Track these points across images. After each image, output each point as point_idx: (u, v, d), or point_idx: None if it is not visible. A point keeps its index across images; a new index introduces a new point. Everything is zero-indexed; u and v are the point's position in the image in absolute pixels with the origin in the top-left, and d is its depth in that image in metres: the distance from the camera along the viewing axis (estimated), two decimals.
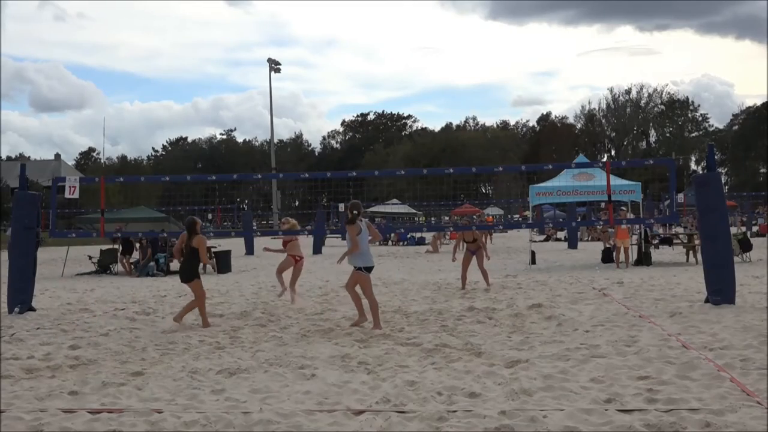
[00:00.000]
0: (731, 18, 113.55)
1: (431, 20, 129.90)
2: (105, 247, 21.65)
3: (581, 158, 24.33)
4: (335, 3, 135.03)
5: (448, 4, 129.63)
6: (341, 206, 34.87)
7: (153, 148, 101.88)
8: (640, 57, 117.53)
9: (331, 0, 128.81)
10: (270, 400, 5.36)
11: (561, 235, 34.60)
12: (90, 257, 20.61)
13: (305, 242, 33.06)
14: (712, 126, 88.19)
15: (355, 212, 8.78)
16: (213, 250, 20.22)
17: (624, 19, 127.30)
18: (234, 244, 27.45)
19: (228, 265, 19.50)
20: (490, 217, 48.61)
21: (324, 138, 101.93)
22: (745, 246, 18.01)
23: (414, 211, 48.51)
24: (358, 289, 9.02)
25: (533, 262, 19.19)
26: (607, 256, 18.72)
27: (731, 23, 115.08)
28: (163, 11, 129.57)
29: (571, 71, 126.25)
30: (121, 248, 19.93)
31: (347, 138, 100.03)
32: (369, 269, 8.83)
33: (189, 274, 9.23)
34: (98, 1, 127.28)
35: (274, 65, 61.94)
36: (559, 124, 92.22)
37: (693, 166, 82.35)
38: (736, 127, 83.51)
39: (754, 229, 33.47)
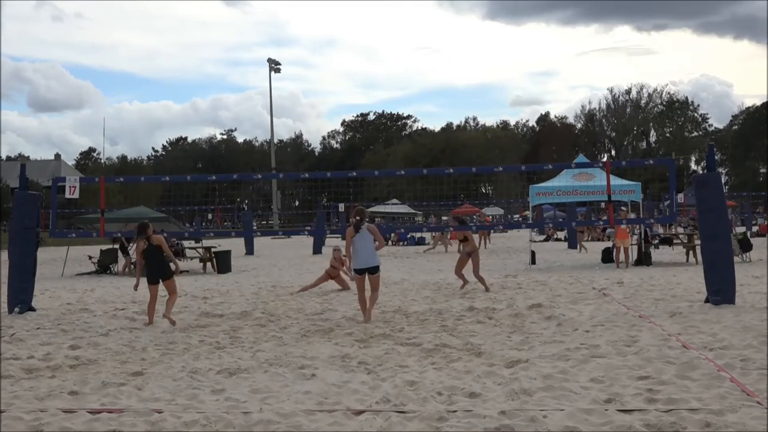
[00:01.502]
0: (729, 18, 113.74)
1: (429, 20, 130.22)
2: (105, 247, 21.65)
3: (581, 158, 24.32)
4: (333, 3, 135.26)
5: (446, 4, 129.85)
6: (341, 206, 34.97)
7: (153, 148, 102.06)
8: (638, 57, 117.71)
9: (329, 0, 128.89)
10: (270, 400, 5.36)
11: (561, 235, 34.60)
12: (90, 257, 20.61)
13: (307, 242, 33.03)
14: (712, 126, 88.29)
15: (357, 218, 9.30)
16: (213, 250, 20.24)
17: (622, 19, 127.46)
18: (234, 244, 27.46)
19: (228, 265, 19.50)
20: (489, 216, 48.63)
21: (324, 138, 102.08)
22: (745, 246, 18.02)
23: (414, 211, 48.55)
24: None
25: (533, 262, 19.19)
26: (607, 256, 18.72)
27: (729, 23, 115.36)
28: (161, 11, 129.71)
29: (569, 71, 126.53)
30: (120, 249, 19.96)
31: (347, 138, 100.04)
32: (357, 271, 9.30)
33: (166, 272, 9.58)
34: (96, 1, 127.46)
35: (274, 65, 61.99)
36: (558, 124, 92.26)
37: (693, 166, 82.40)
38: (735, 127, 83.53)
39: (754, 229, 33.46)
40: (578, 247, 25.13)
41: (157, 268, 9.52)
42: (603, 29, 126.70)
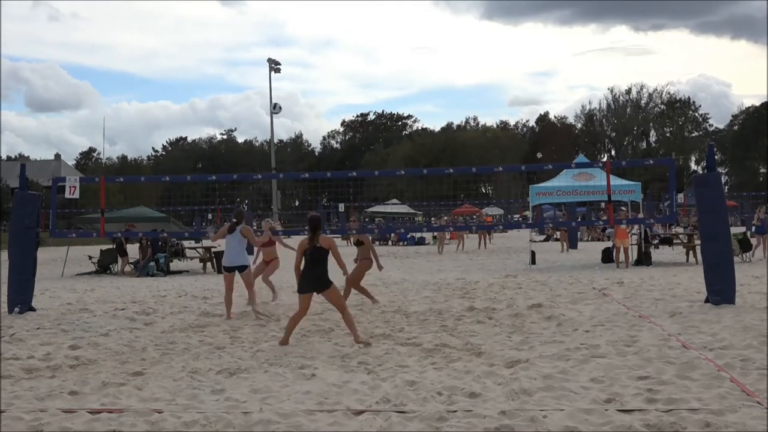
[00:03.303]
0: (727, 18, 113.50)
1: (427, 20, 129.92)
2: (105, 247, 21.65)
3: (581, 158, 24.32)
4: (330, 3, 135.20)
5: (443, 5, 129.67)
6: (341, 206, 34.97)
7: (153, 148, 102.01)
8: (635, 57, 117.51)
9: (326, 0, 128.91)
10: (270, 400, 5.36)
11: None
12: (90, 257, 20.61)
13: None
14: (712, 126, 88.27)
15: (234, 220, 10.30)
16: (213, 250, 20.23)
17: (619, 18, 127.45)
18: None
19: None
20: (489, 217, 48.63)
21: (324, 138, 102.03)
22: (745, 246, 18.01)
23: (414, 211, 48.52)
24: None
25: (533, 262, 19.20)
26: (607, 256, 18.73)
27: (727, 23, 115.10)
28: (159, 11, 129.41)
29: (567, 71, 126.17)
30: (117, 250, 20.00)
31: (347, 138, 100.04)
32: (226, 269, 10.17)
33: (326, 280, 7.70)
34: (93, 1, 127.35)
35: (274, 65, 61.91)
36: (558, 125, 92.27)
37: (693, 166, 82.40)
38: (735, 127, 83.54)
39: (754, 229, 33.39)
40: (561, 246, 25.35)
41: (313, 276, 7.67)
42: (600, 29, 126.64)
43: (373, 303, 10.89)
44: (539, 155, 70.16)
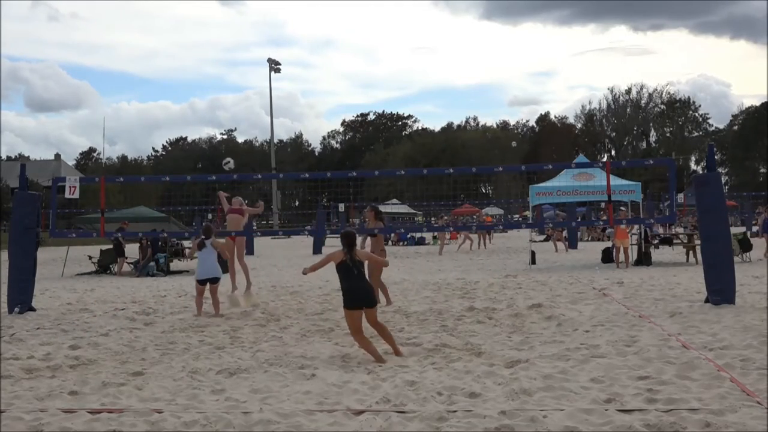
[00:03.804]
0: (726, 18, 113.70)
1: (426, 21, 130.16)
2: (105, 247, 21.65)
3: (581, 158, 24.31)
4: (330, 3, 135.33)
5: (442, 5, 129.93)
6: (341, 206, 34.98)
7: (153, 148, 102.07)
8: (635, 57, 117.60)
9: (326, 0, 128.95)
10: (270, 400, 5.36)
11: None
12: (90, 257, 20.61)
13: (307, 242, 32.91)
14: (712, 126, 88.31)
15: (203, 236, 10.53)
16: None
17: (618, 18, 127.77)
18: None
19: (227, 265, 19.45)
20: (489, 217, 48.64)
21: (324, 138, 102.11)
22: (745, 246, 18.01)
23: (414, 211, 48.56)
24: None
25: (533, 262, 19.19)
26: (607, 256, 18.73)
27: (726, 23, 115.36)
28: (159, 11, 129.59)
29: (566, 71, 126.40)
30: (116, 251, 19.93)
31: (347, 138, 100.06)
32: (200, 281, 10.39)
33: (373, 296, 7.12)
34: (93, 1, 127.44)
35: (274, 65, 61.96)
36: (558, 125, 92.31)
37: (693, 166, 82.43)
38: (735, 128, 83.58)
39: (754, 229, 33.42)
40: (554, 246, 25.32)
41: (361, 290, 6.94)
42: (599, 29, 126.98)
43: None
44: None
